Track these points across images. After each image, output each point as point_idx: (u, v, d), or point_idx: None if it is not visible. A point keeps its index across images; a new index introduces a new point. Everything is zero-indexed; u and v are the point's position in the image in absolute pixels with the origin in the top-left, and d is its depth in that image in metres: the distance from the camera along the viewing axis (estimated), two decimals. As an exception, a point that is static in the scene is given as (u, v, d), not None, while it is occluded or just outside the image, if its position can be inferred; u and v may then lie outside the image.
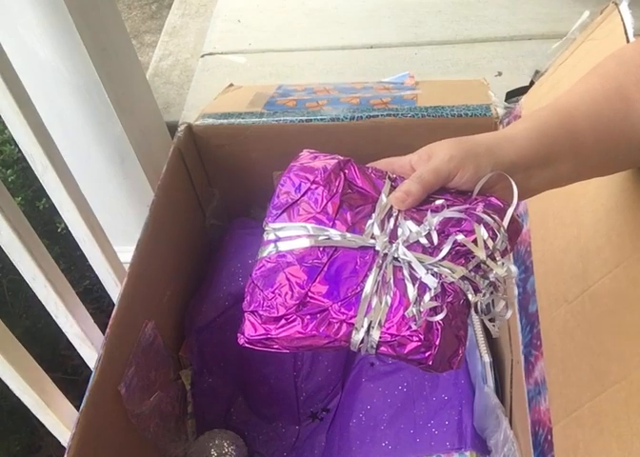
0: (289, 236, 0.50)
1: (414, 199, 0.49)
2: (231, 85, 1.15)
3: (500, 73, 1.55)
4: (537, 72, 0.95)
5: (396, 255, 0.48)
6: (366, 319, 0.47)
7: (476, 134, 0.50)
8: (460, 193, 0.51)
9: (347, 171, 0.53)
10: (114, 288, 0.96)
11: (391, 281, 0.48)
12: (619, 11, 0.63)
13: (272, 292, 0.49)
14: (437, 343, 0.46)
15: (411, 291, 0.47)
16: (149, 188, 1.12)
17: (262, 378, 0.95)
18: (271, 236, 0.51)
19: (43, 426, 0.86)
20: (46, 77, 0.96)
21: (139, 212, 1.12)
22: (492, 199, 0.50)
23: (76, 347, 0.89)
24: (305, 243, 0.50)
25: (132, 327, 0.77)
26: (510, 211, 0.49)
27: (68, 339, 0.88)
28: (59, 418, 0.83)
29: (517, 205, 0.49)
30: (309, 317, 0.48)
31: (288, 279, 0.49)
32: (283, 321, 0.48)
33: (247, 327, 0.49)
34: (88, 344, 0.87)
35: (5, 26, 0.90)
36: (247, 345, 0.49)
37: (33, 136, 0.75)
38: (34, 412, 0.83)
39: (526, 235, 0.80)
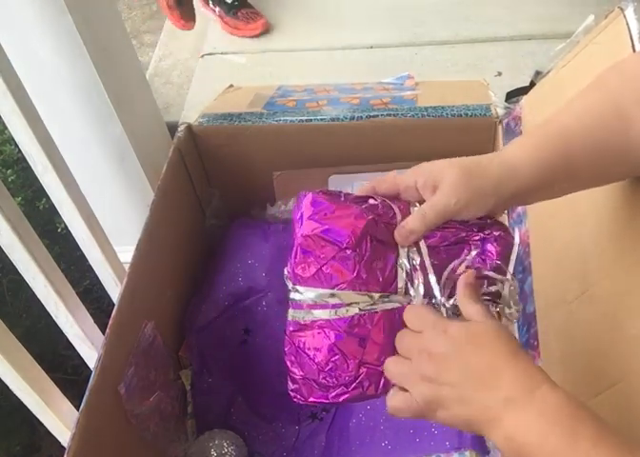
0: (324, 303, 0.51)
1: (417, 237, 0.51)
2: (231, 85, 1.15)
3: (500, 73, 1.55)
4: (538, 73, 0.95)
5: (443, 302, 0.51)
6: None
7: (480, 155, 0.50)
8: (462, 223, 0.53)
9: (371, 231, 0.52)
10: (114, 288, 0.96)
11: None
12: (624, 16, 0.62)
13: (326, 363, 0.50)
14: None
15: None
16: (149, 188, 1.12)
17: (262, 378, 0.95)
18: (300, 297, 0.51)
19: (43, 426, 0.86)
20: (46, 77, 0.96)
21: (139, 212, 1.12)
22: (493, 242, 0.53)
23: (76, 347, 0.89)
24: (340, 312, 0.50)
25: (132, 327, 0.77)
26: (512, 258, 0.54)
27: (68, 339, 0.88)
28: (59, 418, 0.84)
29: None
30: (366, 382, 0.51)
31: (339, 349, 0.50)
32: (342, 388, 0.51)
33: (304, 392, 0.52)
34: (88, 344, 0.87)
35: (5, 26, 0.89)
36: (301, 402, 0.53)
37: (33, 136, 0.75)
38: (34, 412, 0.83)
39: (525, 235, 0.80)
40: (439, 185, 0.50)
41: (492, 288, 0.53)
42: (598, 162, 0.49)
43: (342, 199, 0.54)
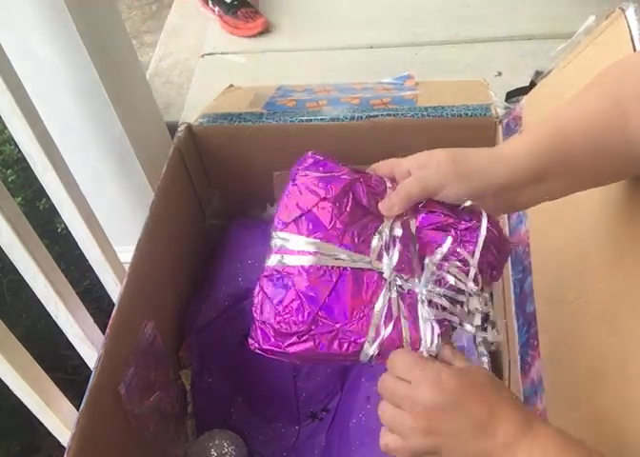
0: (297, 250, 0.52)
1: (399, 208, 0.53)
2: (231, 85, 1.15)
3: (500, 73, 1.55)
4: (538, 73, 0.95)
5: (400, 283, 0.52)
6: (376, 344, 0.51)
7: (476, 147, 0.52)
8: (450, 208, 0.54)
9: (355, 190, 0.54)
10: (114, 288, 0.96)
11: (401, 310, 0.51)
12: (625, 17, 0.62)
13: (284, 308, 0.51)
14: None
15: (429, 333, 0.51)
16: (149, 188, 1.12)
17: (262, 378, 0.95)
18: (279, 245, 0.53)
19: (43, 426, 0.86)
20: (46, 77, 0.96)
21: (139, 212, 1.12)
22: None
23: (76, 347, 0.89)
24: (313, 260, 0.52)
25: (132, 327, 0.77)
26: (479, 242, 0.53)
27: (68, 339, 0.88)
28: (59, 418, 0.84)
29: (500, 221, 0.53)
30: (320, 336, 0.51)
31: (299, 297, 0.51)
32: (295, 338, 0.51)
33: (259, 337, 0.52)
34: (88, 344, 0.87)
35: (5, 26, 0.90)
36: (257, 351, 0.52)
37: (33, 136, 0.75)
38: (34, 412, 0.83)
39: (524, 235, 0.80)
40: (427, 163, 0.52)
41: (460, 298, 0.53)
42: (596, 158, 0.48)
43: (340, 164, 0.57)
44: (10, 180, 1.32)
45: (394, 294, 0.52)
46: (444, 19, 1.74)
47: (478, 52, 1.63)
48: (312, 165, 0.56)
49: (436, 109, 0.94)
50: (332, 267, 0.52)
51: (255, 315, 0.53)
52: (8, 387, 0.79)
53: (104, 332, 0.70)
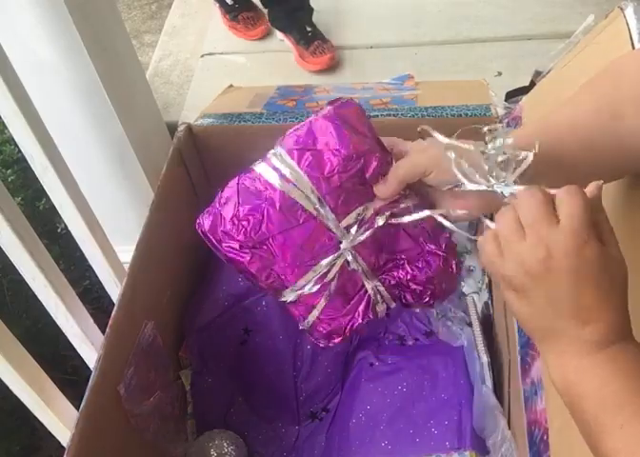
0: (287, 177, 0.53)
1: (393, 191, 0.53)
2: (231, 85, 1.15)
3: (500, 73, 1.55)
4: (538, 73, 0.95)
5: (350, 259, 0.55)
6: (295, 294, 0.55)
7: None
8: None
9: (368, 159, 0.54)
10: (114, 288, 0.96)
11: (334, 279, 0.55)
12: (624, 16, 0.62)
13: (245, 215, 0.53)
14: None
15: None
16: (149, 188, 1.12)
17: (262, 378, 0.95)
18: (273, 161, 0.54)
19: (43, 426, 0.85)
20: (46, 77, 0.95)
21: (139, 212, 1.12)
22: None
23: (76, 347, 0.89)
24: (288, 188, 0.53)
25: (132, 327, 0.77)
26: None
27: (68, 339, 0.88)
28: (59, 418, 0.83)
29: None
30: (257, 258, 0.53)
31: (262, 214, 0.53)
32: (236, 244, 0.53)
33: (208, 222, 0.55)
34: (88, 344, 0.87)
35: (5, 26, 0.89)
36: (199, 231, 0.56)
37: (33, 136, 0.75)
38: (34, 412, 0.83)
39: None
40: (425, 149, 0.53)
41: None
42: (589, 158, 0.48)
43: (373, 130, 0.57)
44: (9, 180, 1.32)
45: (338, 265, 0.54)
46: (444, 19, 1.74)
47: (478, 52, 1.63)
48: (352, 113, 0.56)
49: (436, 109, 0.94)
50: (305, 209, 0.53)
51: (217, 202, 0.54)
52: (8, 387, 0.79)
53: (104, 332, 0.70)
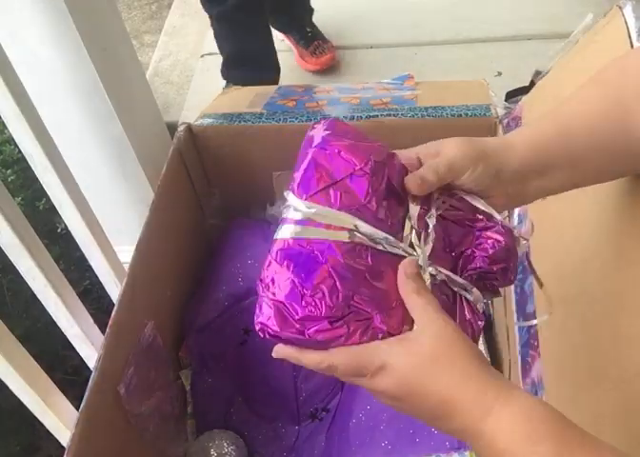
0: (327, 224, 0.45)
1: (428, 186, 0.48)
2: (231, 85, 1.15)
3: (500, 73, 1.55)
4: (538, 72, 0.95)
5: (434, 273, 0.47)
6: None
7: (480, 137, 0.51)
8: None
9: (391, 165, 0.49)
10: (114, 288, 0.96)
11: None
12: (623, 15, 0.62)
13: (314, 287, 0.43)
14: None
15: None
16: (149, 188, 1.12)
17: (262, 378, 0.95)
18: (298, 216, 0.45)
19: (43, 426, 0.85)
20: (46, 77, 0.96)
21: (139, 212, 1.12)
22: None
23: (76, 347, 0.89)
24: (350, 236, 0.45)
25: (132, 327, 0.77)
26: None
27: (68, 339, 0.88)
28: (59, 418, 0.83)
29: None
30: (354, 323, 0.44)
31: (332, 276, 0.44)
32: (326, 323, 0.43)
33: (274, 319, 0.43)
34: (88, 344, 0.87)
35: (5, 26, 0.89)
36: (267, 336, 0.44)
37: (33, 136, 0.75)
38: (34, 412, 0.83)
39: (525, 235, 0.80)
40: (443, 150, 0.49)
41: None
42: (599, 156, 0.49)
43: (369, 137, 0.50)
44: (9, 180, 1.32)
45: (429, 284, 0.46)
46: (444, 19, 1.74)
47: (478, 52, 1.64)
48: (340, 130, 0.49)
49: (436, 109, 0.94)
50: (367, 247, 0.45)
51: (265, 291, 0.44)
52: (8, 387, 0.79)
53: (104, 332, 0.70)
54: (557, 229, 0.71)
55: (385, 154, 0.48)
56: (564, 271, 0.68)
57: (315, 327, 0.43)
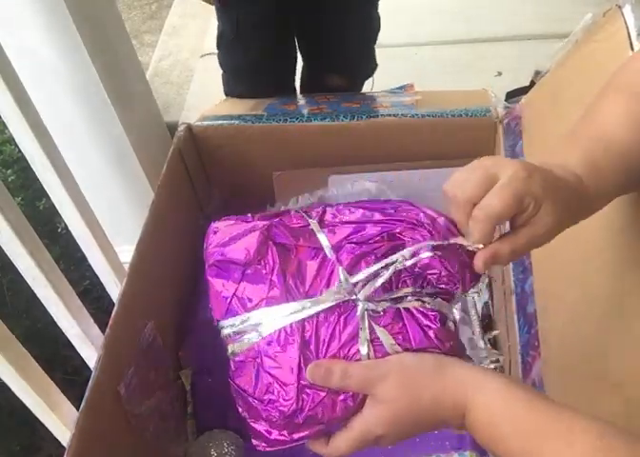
0: (255, 324, 0.46)
1: (481, 235, 0.44)
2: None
3: (500, 73, 1.55)
4: (538, 72, 0.95)
5: (372, 307, 0.46)
6: None
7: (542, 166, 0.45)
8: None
9: (272, 235, 0.49)
10: (114, 288, 0.96)
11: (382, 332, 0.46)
12: (622, 14, 0.62)
13: (265, 395, 0.46)
14: None
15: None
16: (149, 188, 1.12)
17: (262, 378, 0.95)
18: (229, 331, 0.48)
19: (43, 426, 0.85)
20: (46, 77, 0.96)
21: (139, 212, 1.12)
22: None
23: (76, 347, 0.89)
24: (285, 322, 0.45)
25: (132, 327, 0.77)
26: None
27: (68, 339, 0.88)
28: (59, 418, 0.83)
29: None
30: (315, 409, 0.45)
31: (272, 375, 0.46)
32: (297, 421, 0.45)
33: (261, 435, 0.48)
34: (88, 344, 0.87)
35: (5, 26, 0.90)
36: (268, 449, 0.48)
37: (33, 136, 0.75)
38: (34, 412, 0.83)
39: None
40: (500, 173, 0.42)
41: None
42: (624, 171, 0.47)
43: (248, 219, 0.52)
44: (9, 180, 1.32)
45: (366, 320, 0.46)
46: (444, 19, 1.74)
47: (478, 52, 1.64)
48: (214, 240, 0.52)
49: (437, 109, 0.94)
50: (291, 324, 0.45)
51: (245, 417, 0.49)
52: (8, 388, 0.79)
53: (104, 332, 0.70)
54: (557, 230, 0.71)
55: (262, 234, 0.50)
56: (565, 271, 0.68)
57: (289, 431, 0.46)
